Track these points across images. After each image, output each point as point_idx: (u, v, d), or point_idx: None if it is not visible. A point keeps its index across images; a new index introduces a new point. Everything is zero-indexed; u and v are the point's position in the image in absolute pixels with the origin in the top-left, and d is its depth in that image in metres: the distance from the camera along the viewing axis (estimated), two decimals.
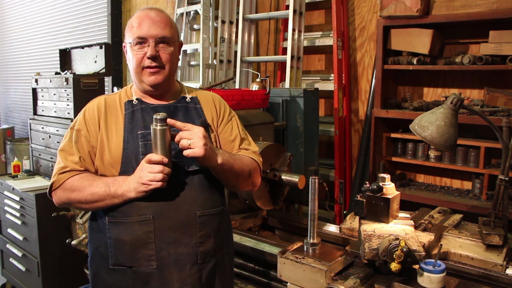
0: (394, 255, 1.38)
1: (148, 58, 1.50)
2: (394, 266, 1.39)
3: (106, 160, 1.53)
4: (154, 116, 1.39)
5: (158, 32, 1.51)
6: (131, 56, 1.54)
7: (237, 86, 3.62)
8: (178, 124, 1.43)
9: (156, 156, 1.40)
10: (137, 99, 1.59)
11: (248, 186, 1.70)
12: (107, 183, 1.48)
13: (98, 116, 1.56)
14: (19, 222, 3.52)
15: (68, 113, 3.50)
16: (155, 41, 1.51)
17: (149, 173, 1.40)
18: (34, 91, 3.95)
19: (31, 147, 3.96)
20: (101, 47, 3.70)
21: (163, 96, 1.61)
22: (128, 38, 1.54)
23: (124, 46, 1.59)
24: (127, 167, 1.50)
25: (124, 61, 5.49)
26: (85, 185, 1.49)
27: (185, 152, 1.40)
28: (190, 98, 1.64)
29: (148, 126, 1.47)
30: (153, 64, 1.51)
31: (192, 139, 1.39)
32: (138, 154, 1.50)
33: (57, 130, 3.57)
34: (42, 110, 3.88)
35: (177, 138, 1.41)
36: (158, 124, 1.39)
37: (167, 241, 1.50)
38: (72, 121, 1.64)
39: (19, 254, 3.56)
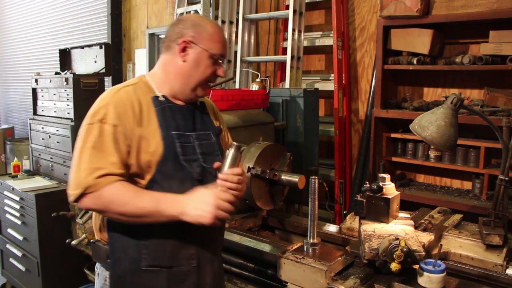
0: (394, 255, 1.38)
1: (218, 76, 1.55)
2: (394, 266, 1.39)
3: (143, 160, 1.43)
4: (235, 144, 1.51)
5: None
6: (201, 64, 1.50)
7: (237, 86, 3.62)
8: None
9: (229, 196, 1.41)
10: (163, 96, 1.52)
11: None
12: (156, 198, 1.38)
13: (132, 110, 1.43)
14: (19, 222, 3.52)
15: (68, 113, 3.50)
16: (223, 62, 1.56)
17: (226, 203, 1.38)
18: (34, 91, 3.95)
19: (31, 147, 3.96)
20: (101, 47, 3.70)
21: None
22: (210, 48, 1.49)
23: (188, 42, 1.48)
24: (164, 168, 1.44)
25: (125, 61, 5.49)
26: (130, 196, 1.37)
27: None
28: (199, 103, 1.65)
29: (180, 127, 1.50)
30: (214, 82, 1.59)
31: None
32: (177, 156, 1.46)
33: (57, 130, 3.57)
34: (42, 110, 3.88)
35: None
36: (233, 150, 1.49)
37: (206, 239, 1.55)
38: (94, 115, 1.42)
39: (19, 254, 3.56)
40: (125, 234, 1.49)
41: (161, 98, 1.50)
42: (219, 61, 1.52)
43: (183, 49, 1.49)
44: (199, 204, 1.36)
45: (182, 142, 1.48)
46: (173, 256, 1.48)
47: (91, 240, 1.65)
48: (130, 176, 1.44)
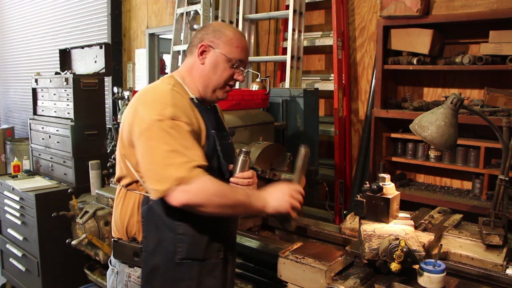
0: (394, 255, 1.38)
1: (237, 81, 1.61)
2: (394, 266, 1.39)
3: None
4: (244, 150, 1.62)
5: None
6: (218, 67, 1.56)
7: (237, 86, 3.62)
8: None
9: (301, 189, 1.57)
10: (196, 98, 1.59)
11: None
12: (245, 192, 1.49)
13: (189, 108, 1.51)
14: (19, 222, 3.52)
15: (68, 113, 3.50)
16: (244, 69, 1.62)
17: (298, 194, 1.54)
18: (34, 91, 3.95)
19: (31, 147, 3.96)
20: (101, 47, 3.70)
21: None
22: (228, 53, 1.56)
23: (207, 46, 1.56)
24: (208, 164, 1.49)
25: (125, 61, 5.50)
26: (227, 188, 1.46)
27: None
28: (213, 105, 1.71)
29: (214, 127, 1.59)
30: (233, 85, 1.64)
31: None
32: (218, 154, 1.55)
33: (57, 130, 3.57)
34: (42, 110, 3.88)
35: None
36: (243, 155, 1.62)
37: (231, 232, 1.69)
38: (154, 114, 1.40)
39: (19, 254, 3.56)
40: (162, 228, 1.51)
41: (195, 100, 1.58)
42: (237, 65, 1.58)
43: (201, 53, 1.57)
44: (278, 195, 1.50)
45: (222, 140, 1.58)
46: (206, 249, 1.54)
47: (113, 239, 1.61)
48: None
